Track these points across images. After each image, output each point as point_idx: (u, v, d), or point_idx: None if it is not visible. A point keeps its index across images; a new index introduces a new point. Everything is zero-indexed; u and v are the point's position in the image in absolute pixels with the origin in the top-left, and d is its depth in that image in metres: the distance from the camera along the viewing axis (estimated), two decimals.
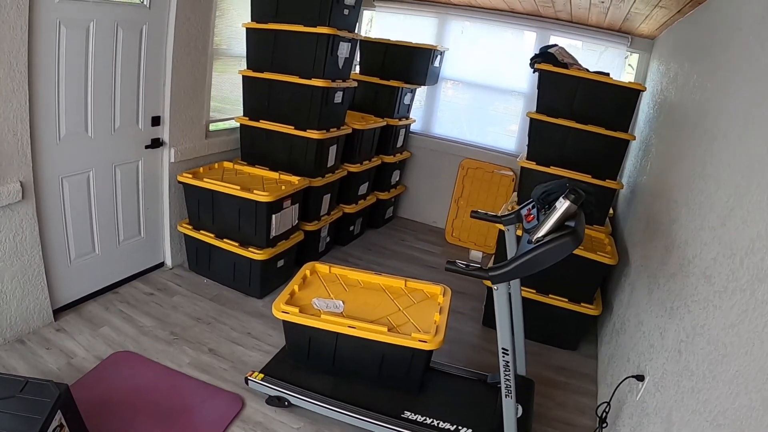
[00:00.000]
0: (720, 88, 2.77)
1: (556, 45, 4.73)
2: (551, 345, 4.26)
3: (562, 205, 2.30)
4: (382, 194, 6.25)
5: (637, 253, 3.80)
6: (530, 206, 2.88)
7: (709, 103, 2.89)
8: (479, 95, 6.59)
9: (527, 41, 6.17)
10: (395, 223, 6.80)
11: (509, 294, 2.56)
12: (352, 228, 5.79)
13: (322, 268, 3.55)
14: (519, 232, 3.38)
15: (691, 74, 3.49)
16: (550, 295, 4.13)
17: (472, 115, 6.66)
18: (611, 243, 4.23)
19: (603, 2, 4.28)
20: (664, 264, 2.96)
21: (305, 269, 3.47)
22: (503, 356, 2.61)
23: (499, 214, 3.18)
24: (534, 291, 4.13)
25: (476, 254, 6.04)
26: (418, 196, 6.93)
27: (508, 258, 3.13)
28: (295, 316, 2.95)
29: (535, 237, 2.34)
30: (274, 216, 4.17)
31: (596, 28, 5.70)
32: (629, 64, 5.92)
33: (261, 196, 4.03)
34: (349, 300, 3.20)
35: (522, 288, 3.30)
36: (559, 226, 2.32)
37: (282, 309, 2.98)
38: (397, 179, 6.62)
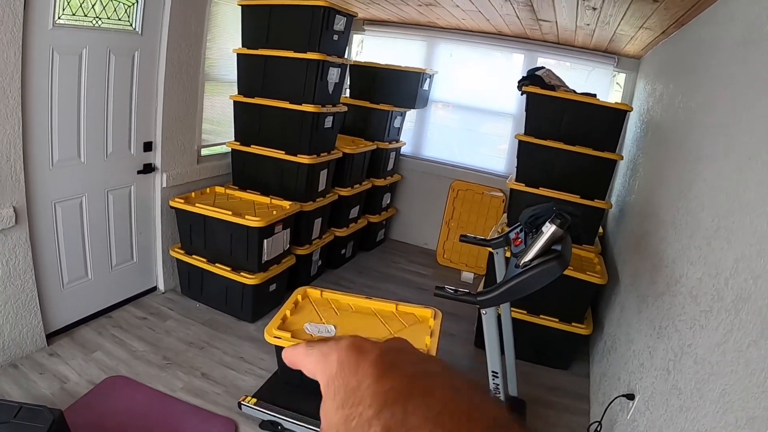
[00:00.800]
0: (702, 108, 2.82)
1: (543, 67, 4.80)
2: (543, 365, 4.26)
3: (549, 230, 2.34)
4: (373, 217, 6.26)
5: (627, 272, 3.82)
6: (518, 230, 2.92)
7: (693, 122, 2.94)
8: (468, 117, 6.65)
9: (515, 63, 6.23)
10: (387, 246, 6.82)
11: (499, 316, 2.58)
12: (343, 251, 5.80)
13: (313, 292, 3.57)
14: (508, 254, 3.39)
15: (675, 94, 3.55)
16: (541, 316, 4.12)
17: (462, 137, 6.72)
18: (601, 262, 4.25)
19: (588, 25, 4.34)
20: (653, 283, 2.97)
21: (297, 294, 3.48)
22: (493, 379, 2.64)
23: (488, 238, 3.22)
24: (525, 312, 4.12)
25: (467, 275, 6.06)
26: (409, 219, 6.95)
27: (498, 281, 3.20)
28: (287, 342, 2.96)
29: (522, 261, 2.38)
30: (266, 241, 4.18)
31: (583, 49, 5.77)
32: (617, 83, 5.98)
33: (253, 221, 4.05)
34: (341, 324, 3.22)
35: (512, 309, 3.32)
36: (546, 250, 2.36)
37: (274, 334, 2.99)
38: (388, 202, 6.64)
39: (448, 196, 6.47)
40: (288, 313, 3.24)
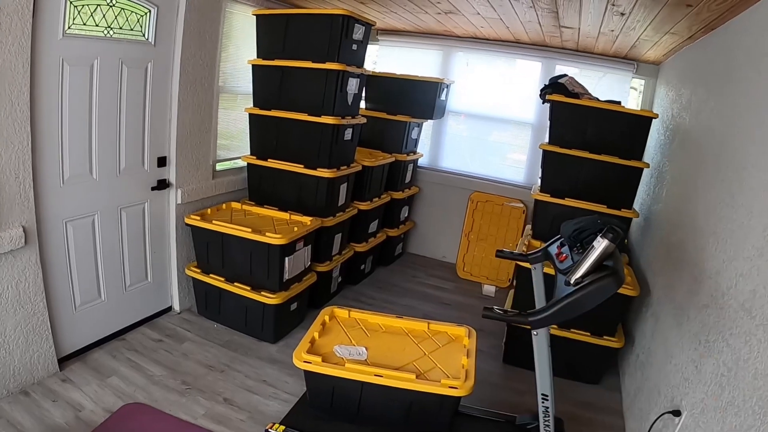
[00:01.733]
0: (744, 117, 2.69)
1: (566, 75, 4.71)
2: (573, 379, 4.11)
3: (600, 245, 2.20)
4: (392, 231, 6.15)
5: (659, 283, 3.71)
6: (558, 244, 2.78)
7: (732, 131, 2.83)
8: (486, 127, 6.54)
9: (532, 71, 6.13)
10: (405, 260, 6.69)
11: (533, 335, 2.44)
12: (362, 267, 5.67)
13: (341, 312, 3.42)
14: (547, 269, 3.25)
15: (706, 100, 3.46)
16: (572, 330, 4.00)
17: (480, 147, 6.59)
18: (631, 273, 4.12)
19: (613, 31, 4.23)
20: (693, 295, 2.86)
21: (324, 315, 3.33)
22: (542, 401, 2.51)
23: (526, 252, 3.07)
24: (555, 326, 3.98)
25: (489, 288, 5.93)
26: (427, 232, 6.85)
27: (536, 298, 3.07)
28: (318, 366, 2.80)
29: (573, 278, 2.23)
30: (287, 259, 4.05)
31: (602, 56, 5.70)
32: (632, 88, 5.90)
33: (274, 239, 3.91)
34: (372, 346, 3.06)
35: None
36: (597, 266, 2.22)
37: (304, 359, 2.83)
38: (406, 215, 6.52)
39: (467, 207, 6.37)
40: (316, 335, 3.08)
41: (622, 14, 3.56)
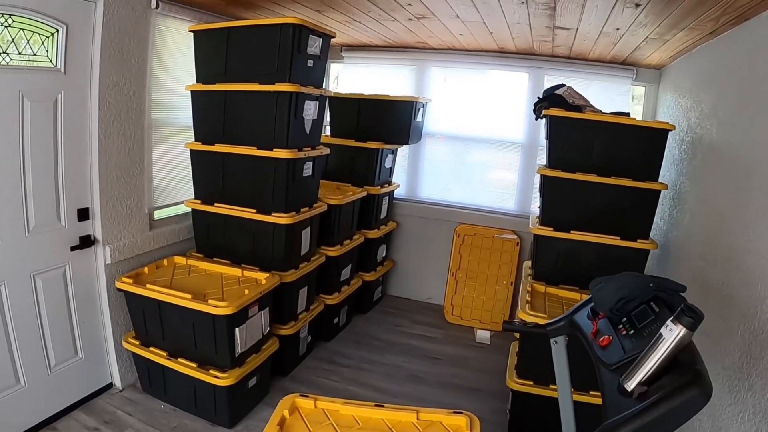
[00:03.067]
0: None
1: (563, 85, 4.23)
2: None
3: (672, 333, 1.50)
4: (369, 275, 5.55)
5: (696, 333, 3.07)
6: (590, 312, 2.06)
7: None
8: (469, 150, 6.00)
9: (519, 83, 5.62)
10: (385, 304, 6.03)
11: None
12: (336, 320, 5.00)
13: (305, 403, 2.63)
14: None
15: (743, 106, 3.00)
16: (591, 392, 3.33)
17: (464, 173, 6.04)
18: None
19: (618, 29, 3.70)
20: (754, 357, 2.35)
21: (282, 408, 2.55)
22: None
23: (544, 324, 2.35)
24: (573, 389, 3.29)
25: (483, 334, 5.28)
26: (409, 271, 6.28)
27: (557, 379, 2.39)
28: None
29: (632, 385, 1.51)
30: (237, 330, 3.35)
31: (598, 62, 5.22)
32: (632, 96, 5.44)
33: (219, 308, 3.23)
34: None
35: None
36: (669, 364, 1.50)
37: None
38: (384, 255, 5.89)
39: (452, 242, 5.79)
40: None
41: (637, 5, 3.00)
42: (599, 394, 2.80)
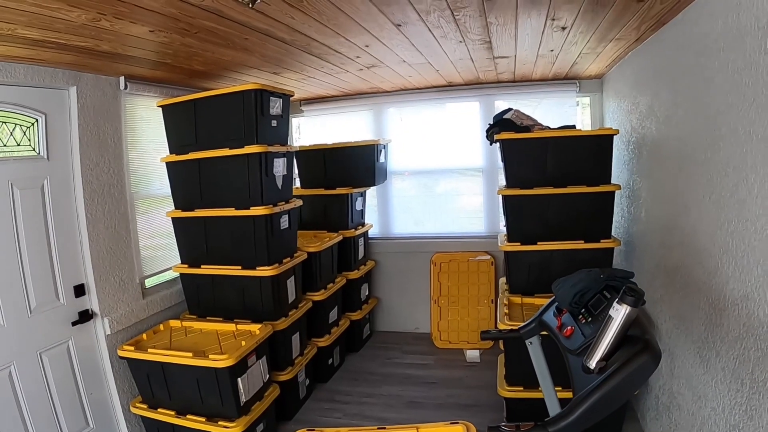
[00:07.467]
0: (732, 114, 2.30)
1: (510, 109, 4.48)
2: None
3: (620, 313, 1.73)
4: (355, 314, 5.65)
5: (665, 314, 3.33)
6: (555, 310, 2.29)
7: (720, 132, 2.44)
8: (434, 181, 6.17)
9: (471, 112, 5.84)
10: (375, 340, 6.12)
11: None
12: (330, 360, 5.11)
13: None
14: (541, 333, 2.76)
15: (676, 103, 3.13)
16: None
17: (432, 204, 6.19)
18: None
19: (552, 50, 3.94)
20: (716, 327, 2.48)
21: None
22: None
23: (517, 328, 2.57)
24: (560, 388, 3.48)
25: (473, 354, 5.41)
26: (393, 305, 6.37)
27: (538, 376, 2.57)
28: None
29: (593, 363, 1.73)
30: (240, 380, 3.48)
31: (541, 81, 5.46)
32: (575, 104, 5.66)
33: (220, 361, 3.36)
34: None
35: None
36: (621, 339, 1.72)
37: None
38: (367, 293, 6.01)
39: (431, 271, 5.92)
40: None
41: (563, 28, 3.25)
42: None
